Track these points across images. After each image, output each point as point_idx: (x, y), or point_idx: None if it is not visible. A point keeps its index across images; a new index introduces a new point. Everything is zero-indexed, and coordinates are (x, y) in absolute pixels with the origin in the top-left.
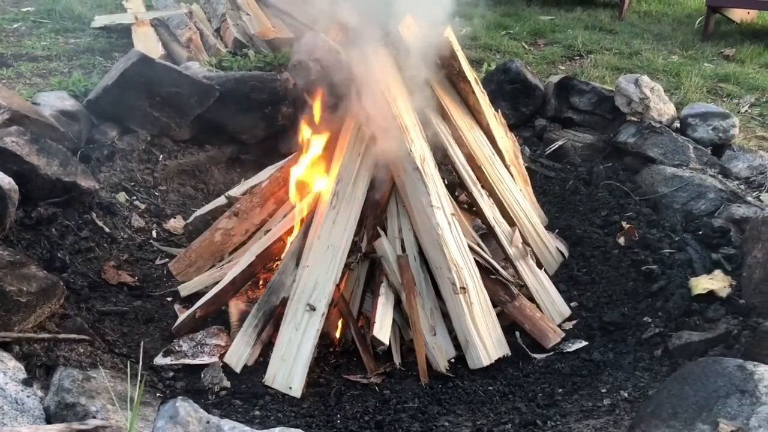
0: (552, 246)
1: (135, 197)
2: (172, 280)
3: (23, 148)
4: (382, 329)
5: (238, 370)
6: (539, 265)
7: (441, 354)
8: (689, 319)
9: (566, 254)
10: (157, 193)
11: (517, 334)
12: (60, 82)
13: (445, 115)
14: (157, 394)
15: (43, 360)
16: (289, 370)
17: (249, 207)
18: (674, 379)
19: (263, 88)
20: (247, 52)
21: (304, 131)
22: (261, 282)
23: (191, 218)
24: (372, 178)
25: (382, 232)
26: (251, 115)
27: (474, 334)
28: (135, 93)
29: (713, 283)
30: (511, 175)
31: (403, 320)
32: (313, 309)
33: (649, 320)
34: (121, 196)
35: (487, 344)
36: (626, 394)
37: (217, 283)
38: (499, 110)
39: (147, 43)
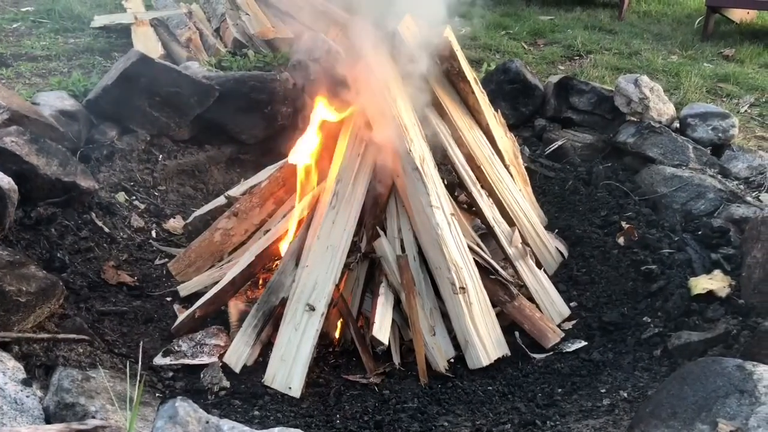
0: (551, 246)
1: (134, 197)
2: (172, 280)
3: (23, 148)
4: (382, 329)
5: (237, 370)
6: (539, 265)
7: (440, 354)
8: (689, 319)
9: (566, 254)
10: (156, 193)
11: (517, 334)
12: (59, 82)
13: (444, 115)
14: (157, 394)
15: (43, 360)
16: (289, 370)
17: (248, 207)
18: (673, 379)
19: (263, 88)
20: (247, 52)
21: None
22: (260, 282)
23: (191, 218)
24: (371, 178)
25: (381, 232)
26: (251, 115)
27: (473, 334)
28: (134, 93)
29: (713, 283)
30: (511, 175)
31: (402, 320)
32: (312, 309)
33: (649, 320)
34: (121, 196)
35: (487, 344)
36: (625, 394)
37: (216, 283)
38: (499, 110)
39: (146, 43)
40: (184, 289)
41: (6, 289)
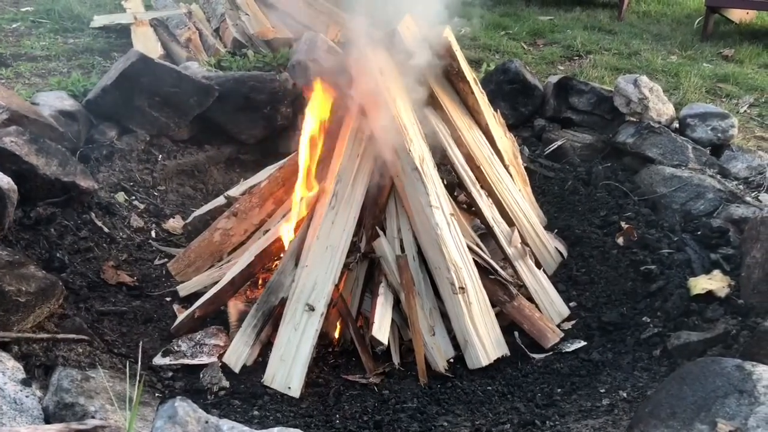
0: (551, 246)
1: (134, 197)
2: (171, 280)
3: (22, 148)
4: (381, 329)
5: (236, 370)
6: (538, 265)
7: (440, 354)
8: (688, 319)
9: (565, 254)
10: (156, 193)
11: (516, 334)
12: (59, 82)
13: (444, 116)
14: (156, 394)
15: (42, 360)
16: (288, 370)
17: (248, 207)
18: (673, 379)
19: (262, 88)
20: (246, 52)
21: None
22: (260, 282)
23: (190, 218)
24: (371, 179)
25: (381, 232)
26: (250, 115)
27: (473, 334)
28: (134, 93)
29: (712, 283)
30: (510, 175)
31: (402, 320)
32: (312, 309)
33: (648, 320)
34: (120, 196)
35: (486, 344)
36: (625, 394)
37: (216, 283)
38: (498, 110)
39: (146, 43)
40: (183, 289)
41: (5, 289)
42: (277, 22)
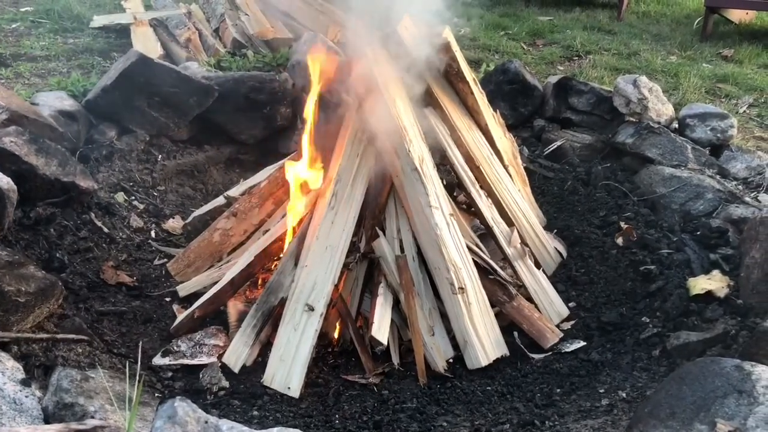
0: (550, 246)
1: (134, 197)
2: (171, 281)
3: (22, 148)
4: (381, 329)
5: (236, 370)
6: (537, 265)
7: (439, 354)
8: (687, 320)
9: (564, 254)
10: (155, 194)
11: (516, 334)
12: (59, 82)
13: (443, 116)
14: (156, 394)
15: (42, 360)
16: (288, 371)
17: (247, 207)
18: (672, 379)
19: (262, 88)
20: (246, 52)
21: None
22: (259, 282)
23: (190, 218)
24: (370, 179)
25: (380, 233)
26: (250, 115)
27: (472, 334)
28: (134, 93)
29: (711, 283)
30: (510, 176)
31: (401, 320)
32: (311, 309)
33: (647, 320)
34: (120, 197)
35: (486, 344)
36: (624, 395)
37: (215, 283)
38: (498, 110)
39: (146, 43)
40: (183, 290)
41: (5, 289)
42: (277, 22)
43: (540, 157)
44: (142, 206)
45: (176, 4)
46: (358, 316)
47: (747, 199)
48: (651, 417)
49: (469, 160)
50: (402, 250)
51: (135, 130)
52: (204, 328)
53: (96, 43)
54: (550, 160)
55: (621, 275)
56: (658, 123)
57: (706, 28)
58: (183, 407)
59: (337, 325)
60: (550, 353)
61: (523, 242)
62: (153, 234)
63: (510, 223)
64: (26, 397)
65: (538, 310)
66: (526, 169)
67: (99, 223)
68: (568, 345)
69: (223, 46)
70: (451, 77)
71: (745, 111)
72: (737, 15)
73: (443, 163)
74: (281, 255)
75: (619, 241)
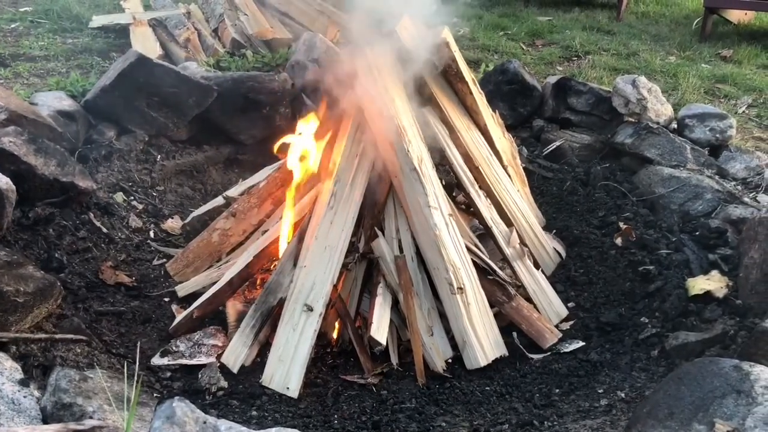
0: (549, 246)
1: (133, 197)
2: (170, 281)
3: (21, 148)
4: (380, 329)
5: (235, 370)
6: (536, 265)
7: (438, 354)
8: (686, 320)
9: (563, 255)
10: (154, 194)
11: (515, 334)
12: (58, 82)
13: (442, 116)
14: (154, 395)
15: (40, 360)
16: (287, 371)
17: (246, 207)
18: (671, 380)
19: (261, 88)
20: (245, 52)
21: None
22: (258, 282)
23: (189, 218)
24: (369, 179)
25: (379, 233)
26: (249, 115)
27: (471, 334)
28: (133, 93)
29: (710, 283)
30: (509, 176)
31: (400, 321)
32: (310, 309)
33: (646, 321)
34: (119, 197)
35: (484, 344)
36: (623, 395)
37: (214, 283)
38: (497, 111)
39: (145, 44)
40: (182, 290)
41: (4, 289)
42: (276, 22)
43: (539, 158)
44: (141, 206)
45: (175, 4)
46: (356, 316)
47: (746, 199)
48: (650, 417)
49: (468, 160)
50: (401, 250)
51: (134, 130)
52: (203, 329)
53: (95, 43)
54: (549, 160)
55: (620, 275)
56: (657, 123)
57: (705, 29)
58: (181, 407)
59: (336, 325)
60: (549, 353)
61: (522, 242)
62: (152, 234)
63: (509, 223)
64: (24, 397)
65: (537, 310)
66: (525, 169)
67: (98, 223)
68: (567, 345)
69: (222, 46)
70: (450, 77)
71: (744, 111)
72: (736, 15)
73: (442, 163)
74: (280, 255)
75: (618, 241)
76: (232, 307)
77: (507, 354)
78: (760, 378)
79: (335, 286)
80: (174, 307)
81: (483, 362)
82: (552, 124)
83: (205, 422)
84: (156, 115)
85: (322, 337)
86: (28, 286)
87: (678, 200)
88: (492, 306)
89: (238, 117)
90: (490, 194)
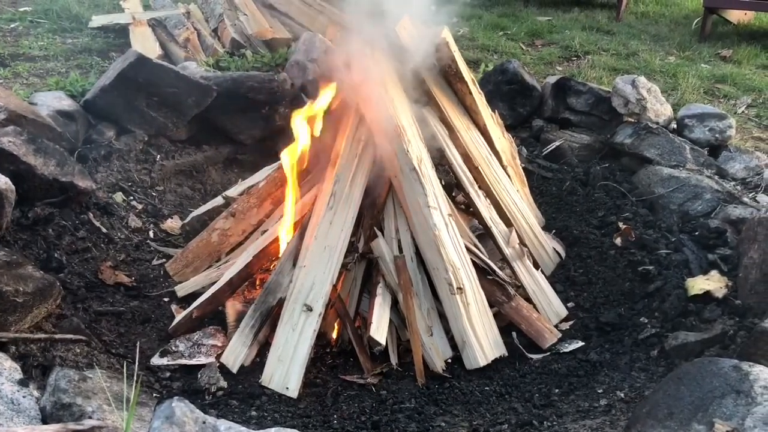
0: (549, 246)
1: (132, 197)
2: (169, 281)
3: (20, 148)
4: (379, 330)
5: (234, 370)
6: (536, 265)
7: (438, 354)
8: (685, 320)
9: (563, 255)
10: (154, 194)
11: (514, 334)
12: (57, 82)
13: (442, 116)
14: (154, 395)
15: (40, 360)
16: (286, 371)
17: (246, 207)
18: (670, 380)
19: (261, 88)
20: (245, 52)
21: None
22: (258, 282)
23: (188, 218)
24: (369, 179)
25: (379, 233)
26: (249, 115)
27: (471, 334)
28: (132, 93)
29: (709, 283)
30: (508, 176)
31: (400, 321)
32: (310, 309)
33: (646, 321)
34: (118, 197)
35: (484, 345)
36: (622, 395)
37: (214, 283)
38: (497, 111)
39: (144, 43)
40: (181, 290)
41: (3, 289)
42: (276, 22)
43: (538, 158)
44: (140, 206)
45: (175, 4)
46: (356, 316)
47: (745, 199)
48: (649, 417)
49: (468, 160)
50: (400, 250)
51: (133, 130)
52: (202, 329)
53: (94, 43)
54: (549, 160)
55: (619, 275)
56: (657, 123)
57: (704, 29)
58: (181, 407)
59: (336, 325)
60: (548, 353)
61: (522, 242)
62: (151, 234)
63: (508, 223)
64: (24, 397)
65: (537, 310)
66: (524, 169)
67: (97, 223)
68: (566, 345)
69: (221, 46)
70: (450, 77)
71: (743, 111)
72: (736, 15)
73: (442, 164)
74: (280, 255)
75: (618, 241)
76: (232, 307)
77: (506, 354)
78: (759, 378)
79: (335, 286)
80: (173, 307)
81: (482, 362)
82: (551, 124)
83: (204, 422)
84: (155, 115)
85: (321, 337)
86: (28, 286)
87: (677, 200)
88: (491, 306)
89: (237, 117)
90: (489, 194)
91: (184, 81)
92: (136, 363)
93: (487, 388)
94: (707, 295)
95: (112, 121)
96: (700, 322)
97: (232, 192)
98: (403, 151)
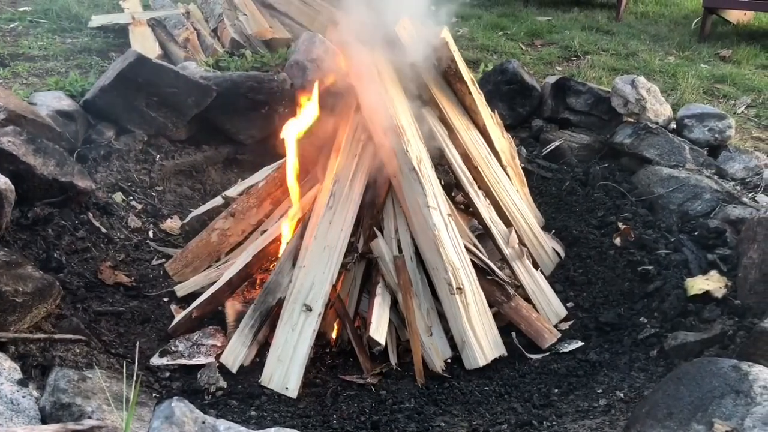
0: (548, 246)
1: (132, 197)
2: (169, 281)
3: (20, 148)
4: (379, 330)
5: (234, 370)
6: (535, 265)
7: (437, 354)
8: (685, 320)
9: (562, 255)
10: (153, 194)
11: (513, 334)
12: (57, 82)
13: (441, 116)
14: (153, 395)
15: (39, 360)
16: (286, 371)
17: (246, 207)
18: (670, 380)
19: (260, 88)
20: (245, 52)
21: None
22: (257, 282)
23: (188, 218)
24: (369, 179)
25: (378, 233)
26: (248, 115)
27: (470, 334)
28: (132, 93)
29: (709, 283)
30: (508, 176)
31: (399, 321)
32: (309, 309)
33: (645, 321)
34: (118, 197)
35: (483, 345)
36: (622, 395)
37: (213, 283)
38: (496, 111)
39: (144, 43)
40: (181, 290)
41: (2, 289)
42: (275, 22)
43: (538, 158)
44: (140, 206)
45: (174, 4)
46: (356, 316)
47: (745, 199)
48: (648, 417)
49: (467, 160)
50: (400, 250)
51: (133, 130)
52: (202, 329)
53: (94, 43)
54: (548, 160)
55: (619, 275)
56: (656, 123)
57: (704, 29)
58: (180, 407)
59: (335, 325)
60: (548, 353)
61: (521, 242)
62: (151, 234)
63: (508, 223)
64: (23, 397)
65: (536, 310)
66: (524, 169)
67: (97, 223)
68: (566, 345)
69: (221, 46)
70: (449, 77)
71: (743, 111)
72: (735, 15)
73: (441, 163)
74: (279, 255)
75: (617, 241)
76: (231, 307)
77: (506, 354)
78: (758, 378)
79: (334, 286)
80: (173, 307)
81: (482, 362)
82: (551, 124)
83: (203, 422)
84: (155, 115)
85: (321, 337)
86: (27, 286)
87: (677, 200)
88: (491, 306)
89: (237, 117)
90: (489, 194)
91: (183, 81)
92: (136, 363)
93: (486, 388)
94: (707, 295)
95: (111, 121)
96: (700, 322)
97: (232, 192)
98: (402, 151)
